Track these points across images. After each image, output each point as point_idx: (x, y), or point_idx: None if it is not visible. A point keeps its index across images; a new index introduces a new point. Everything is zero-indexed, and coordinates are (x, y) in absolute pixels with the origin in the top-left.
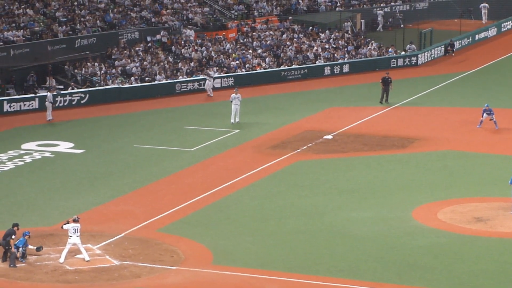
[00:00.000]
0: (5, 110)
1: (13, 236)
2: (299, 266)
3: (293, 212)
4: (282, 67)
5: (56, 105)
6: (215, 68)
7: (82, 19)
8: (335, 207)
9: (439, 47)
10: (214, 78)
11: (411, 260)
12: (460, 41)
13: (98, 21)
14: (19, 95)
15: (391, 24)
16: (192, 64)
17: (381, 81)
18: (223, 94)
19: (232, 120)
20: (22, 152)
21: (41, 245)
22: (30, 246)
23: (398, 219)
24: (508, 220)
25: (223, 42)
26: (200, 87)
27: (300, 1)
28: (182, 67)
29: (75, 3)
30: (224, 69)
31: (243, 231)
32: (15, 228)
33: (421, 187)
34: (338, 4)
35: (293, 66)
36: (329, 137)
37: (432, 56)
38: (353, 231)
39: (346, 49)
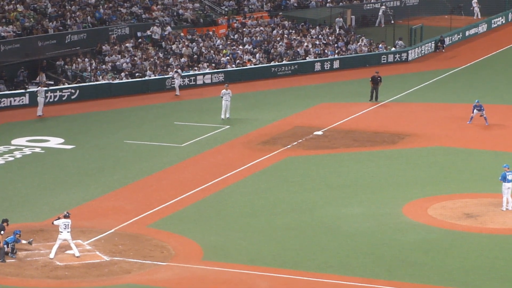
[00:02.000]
0: None
1: (2, 232)
2: (290, 262)
3: (283, 208)
4: (272, 63)
5: (47, 100)
6: (205, 64)
7: (73, 15)
8: (326, 203)
9: (430, 43)
10: (183, 77)
11: (401, 256)
12: (450, 37)
13: (88, 17)
14: (9, 90)
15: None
16: (182, 59)
17: (370, 79)
18: (213, 90)
19: (222, 116)
20: (12, 147)
21: (32, 238)
22: (23, 241)
23: (389, 215)
24: (498, 216)
25: (213, 38)
26: (191, 83)
27: None
28: (173, 62)
29: None
30: (213, 64)
31: (234, 227)
32: (5, 224)
33: (412, 183)
34: (329, 0)
35: (284, 62)
36: (319, 133)
37: (423, 52)
38: (343, 227)
39: (336, 45)
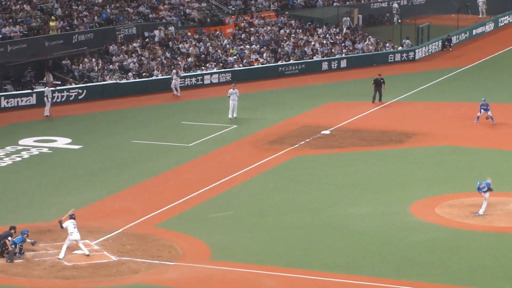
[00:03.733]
0: (2, 106)
1: (9, 238)
2: (297, 261)
3: (291, 208)
4: (279, 63)
5: (54, 100)
6: (212, 64)
7: (80, 14)
8: (333, 202)
9: (437, 42)
10: (181, 77)
11: (409, 255)
12: (457, 36)
13: (95, 17)
14: (16, 90)
15: (389, 19)
16: (189, 59)
17: (373, 82)
18: (220, 90)
19: (229, 116)
20: (19, 148)
21: (35, 240)
22: (28, 240)
23: (396, 214)
24: (506, 214)
25: (220, 37)
26: (198, 82)
27: None
28: (180, 62)
29: None
30: (220, 64)
31: (241, 227)
32: (12, 231)
33: (419, 182)
34: None
35: (291, 61)
36: (327, 132)
37: (430, 51)
38: (351, 227)
39: (343, 44)
